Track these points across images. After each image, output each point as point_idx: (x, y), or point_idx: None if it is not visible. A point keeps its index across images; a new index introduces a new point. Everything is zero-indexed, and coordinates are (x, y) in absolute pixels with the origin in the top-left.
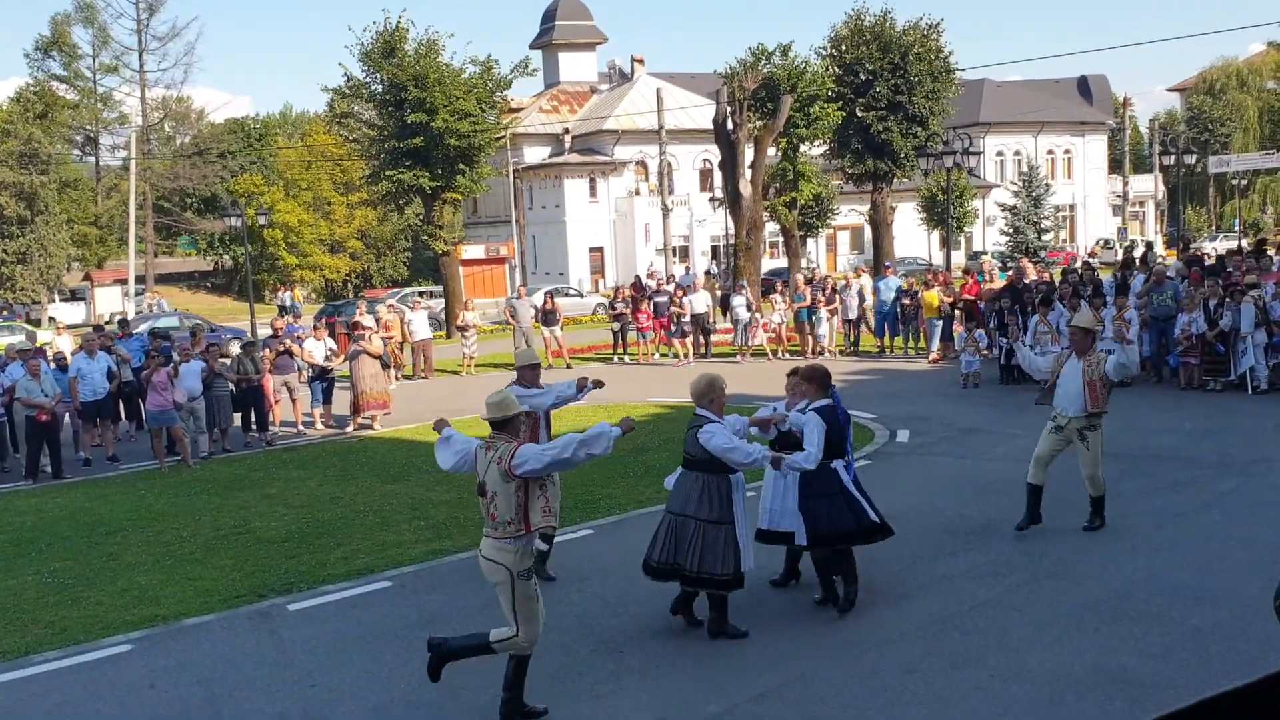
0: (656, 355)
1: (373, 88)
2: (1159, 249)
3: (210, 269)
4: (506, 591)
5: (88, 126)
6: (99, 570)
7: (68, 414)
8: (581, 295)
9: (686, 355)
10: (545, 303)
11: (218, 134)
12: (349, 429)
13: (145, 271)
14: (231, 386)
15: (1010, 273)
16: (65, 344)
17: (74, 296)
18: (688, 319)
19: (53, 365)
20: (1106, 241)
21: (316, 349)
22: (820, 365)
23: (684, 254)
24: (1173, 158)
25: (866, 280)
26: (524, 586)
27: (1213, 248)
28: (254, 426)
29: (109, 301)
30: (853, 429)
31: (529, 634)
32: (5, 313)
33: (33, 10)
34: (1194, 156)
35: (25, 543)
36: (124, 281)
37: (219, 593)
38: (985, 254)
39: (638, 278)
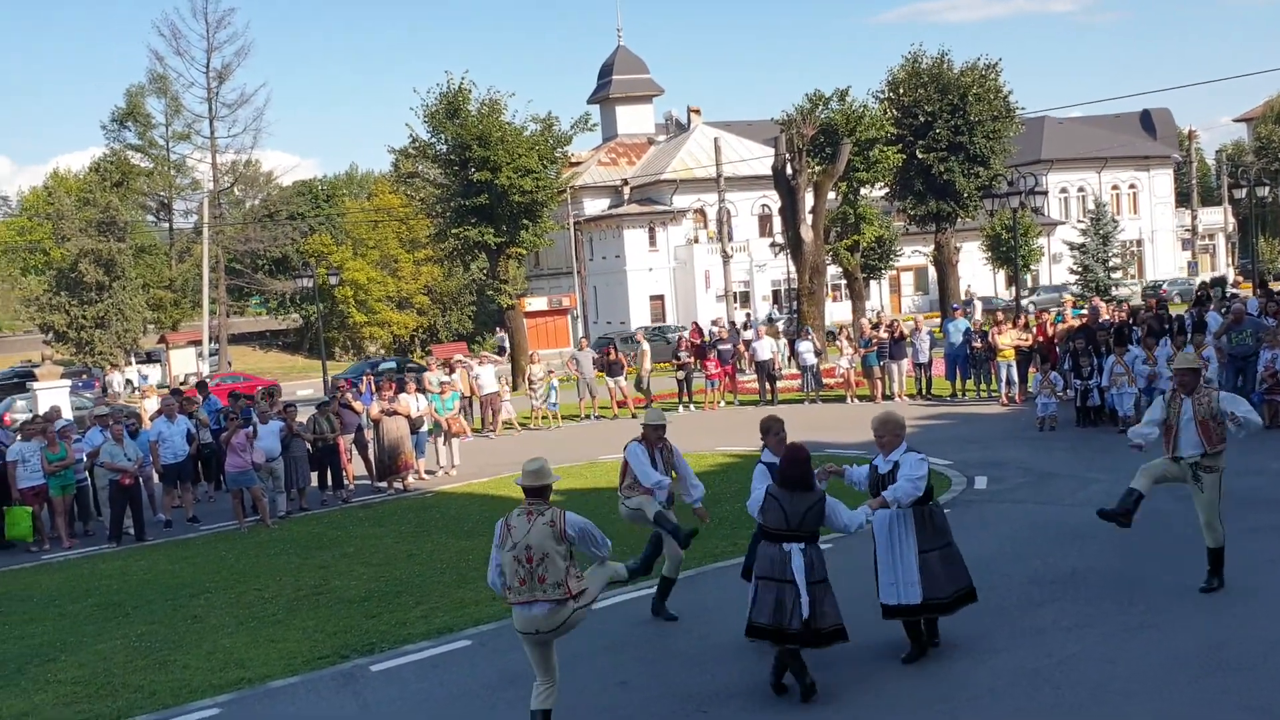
0: (722, 403)
1: (438, 148)
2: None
3: (281, 328)
4: (554, 643)
5: (161, 193)
6: (184, 633)
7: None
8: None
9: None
10: (608, 353)
11: (287, 196)
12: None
13: (219, 332)
14: (309, 445)
15: (1084, 312)
16: (151, 404)
17: (150, 359)
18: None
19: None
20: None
21: (374, 405)
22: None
23: (745, 299)
24: (1244, 190)
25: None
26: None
27: None
28: (330, 484)
29: (184, 362)
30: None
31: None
32: (85, 377)
33: (110, 83)
34: (1265, 187)
35: (112, 605)
36: (198, 343)
37: (302, 654)
38: (1065, 292)
39: (696, 324)
